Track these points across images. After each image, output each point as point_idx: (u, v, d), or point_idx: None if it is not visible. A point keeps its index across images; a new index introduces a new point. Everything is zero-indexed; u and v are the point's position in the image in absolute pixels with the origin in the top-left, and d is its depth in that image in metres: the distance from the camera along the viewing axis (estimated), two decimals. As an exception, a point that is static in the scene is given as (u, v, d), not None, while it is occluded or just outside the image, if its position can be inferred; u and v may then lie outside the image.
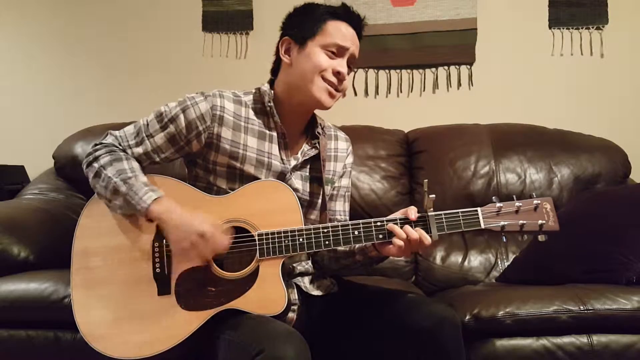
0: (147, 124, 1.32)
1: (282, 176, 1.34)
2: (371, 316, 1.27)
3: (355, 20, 1.34)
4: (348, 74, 1.34)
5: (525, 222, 1.21)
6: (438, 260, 2.08)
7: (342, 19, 1.32)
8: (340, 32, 1.31)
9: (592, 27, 2.47)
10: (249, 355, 1.04)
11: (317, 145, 1.40)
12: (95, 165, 1.29)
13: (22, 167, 2.54)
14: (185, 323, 1.20)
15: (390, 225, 1.21)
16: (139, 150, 1.32)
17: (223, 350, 1.14)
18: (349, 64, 1.34)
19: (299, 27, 1.33)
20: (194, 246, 1.19)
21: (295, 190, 1.30)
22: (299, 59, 1.31)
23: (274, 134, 1.35)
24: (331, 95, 1.32)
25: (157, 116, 1.32)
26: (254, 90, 1.39)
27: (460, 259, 2.06)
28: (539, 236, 1.22)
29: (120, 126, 1.39)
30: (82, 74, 2.72)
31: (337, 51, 1.31)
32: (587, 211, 1.86)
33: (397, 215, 1.23)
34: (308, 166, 1.41)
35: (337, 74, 1.30)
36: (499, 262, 2.04)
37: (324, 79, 1.29)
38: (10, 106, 2.74)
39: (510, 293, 1.59)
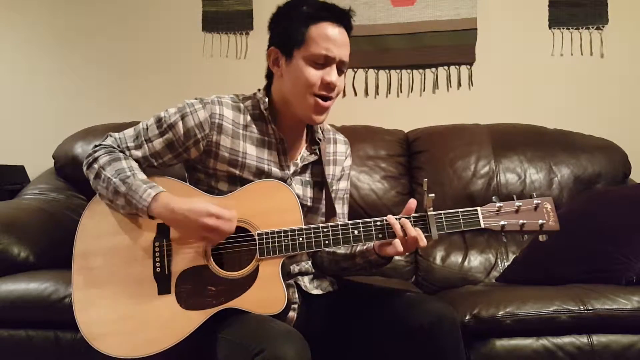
0: (147, 128, 1.32)
1: None
2: (371, 315, 1.27)
3: (339, 17, 1.27)
4: (340, 75, 1.30)
5: (525, 221, 1.21)
6: (438, 260, 2.07)
7: (325, 19, 1.26)
8: (326, 38, 1.24)
9: (592, 27, 2.46)
10: (249, 355, 1.04)
11: (317, 151, 1.39)
12: (95, 166, 1.29)
13: (22, 167, 2.54)
14: (185, 322, 1.21)
15: (389, 217, 1.21)
16: (138, 153, 1.31)
17: (223, 349, 1.14)
18: (340, 67, 1.29)
19: (283, 36, 1.29)
20: (208, 229, 1.19)
21: (297, 196, 1.29)
22: (288, 72, 1.28)
23: (273, 140, 1.34)
24: (321, 111, 1.29)
25: (157, 121, 1.32)
26: (252, 95, 1.38)
27: (460, 259, 2.06)
28: (540, 236, 1.22)
29: (120, 126, 1.39)
30: (82, 74, 2.71)
31: (325, 61, 1.26)
32: (587, 211, 1.86)
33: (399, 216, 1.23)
34: (308, 171, 1.40)
35: (327, 84, 1.26)
36: (499, 262, 2.04)
37: (314, 93, 1.26)
38: (11, 106, 2.74)
39: (510, 293, 1.60)
